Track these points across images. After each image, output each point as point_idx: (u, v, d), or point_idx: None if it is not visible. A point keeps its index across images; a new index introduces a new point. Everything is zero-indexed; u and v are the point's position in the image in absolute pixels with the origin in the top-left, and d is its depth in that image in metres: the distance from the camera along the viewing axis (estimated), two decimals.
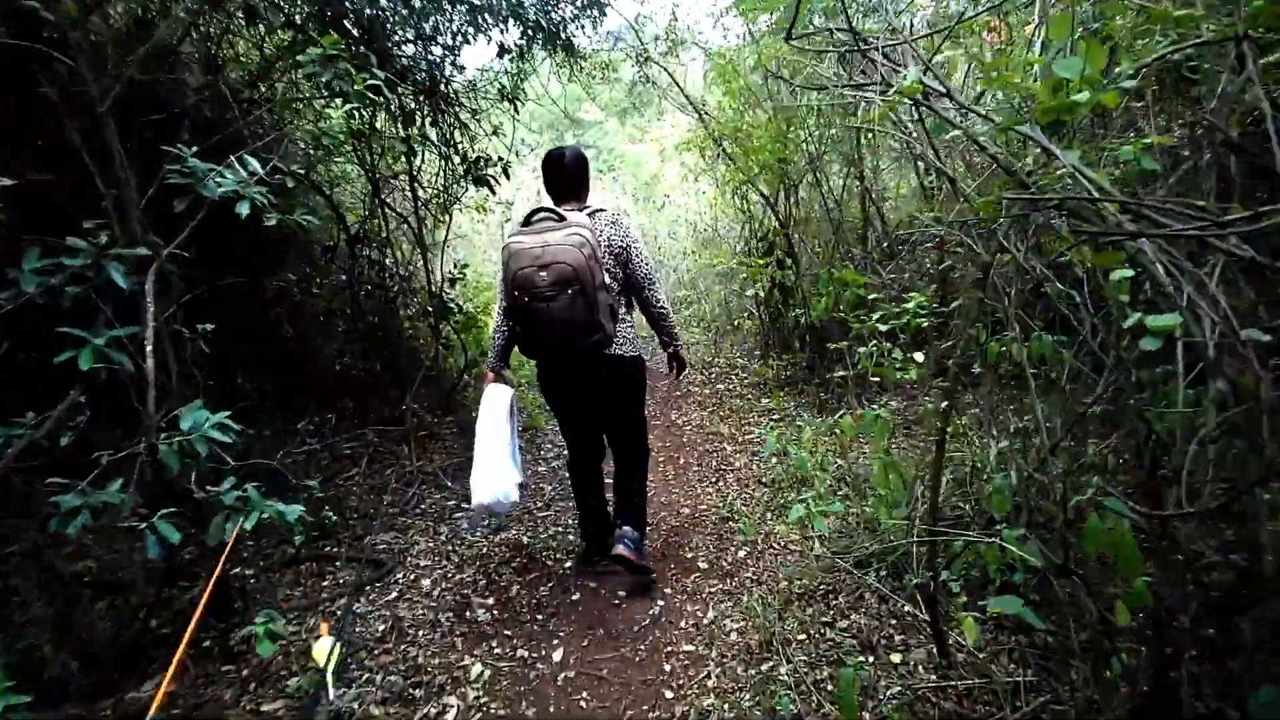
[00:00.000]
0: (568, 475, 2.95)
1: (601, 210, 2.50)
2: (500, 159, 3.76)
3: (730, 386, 5.45)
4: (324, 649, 1.41)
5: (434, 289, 4.52)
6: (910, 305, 2.44)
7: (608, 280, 2.36)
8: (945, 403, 1.78)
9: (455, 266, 6.21)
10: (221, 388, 3.67)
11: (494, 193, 3.96)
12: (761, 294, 5.12)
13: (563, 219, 2.32)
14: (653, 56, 6.33)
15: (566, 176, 2.50)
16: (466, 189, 4.28)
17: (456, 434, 4.35)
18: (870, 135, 4.93)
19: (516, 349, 2.59)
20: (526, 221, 2.37)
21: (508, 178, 3.81)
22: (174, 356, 2.22)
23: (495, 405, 2.58)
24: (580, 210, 2.43)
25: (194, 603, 1.91)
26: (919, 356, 2.61)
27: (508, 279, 2.31)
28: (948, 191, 4.99)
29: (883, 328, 2.63)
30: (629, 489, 2.70)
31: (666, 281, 8.96)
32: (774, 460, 3.89)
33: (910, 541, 2.26)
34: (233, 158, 2.16)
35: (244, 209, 2.09)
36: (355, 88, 2.51)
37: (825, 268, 4.44)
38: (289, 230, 2.36)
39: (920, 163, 4.95)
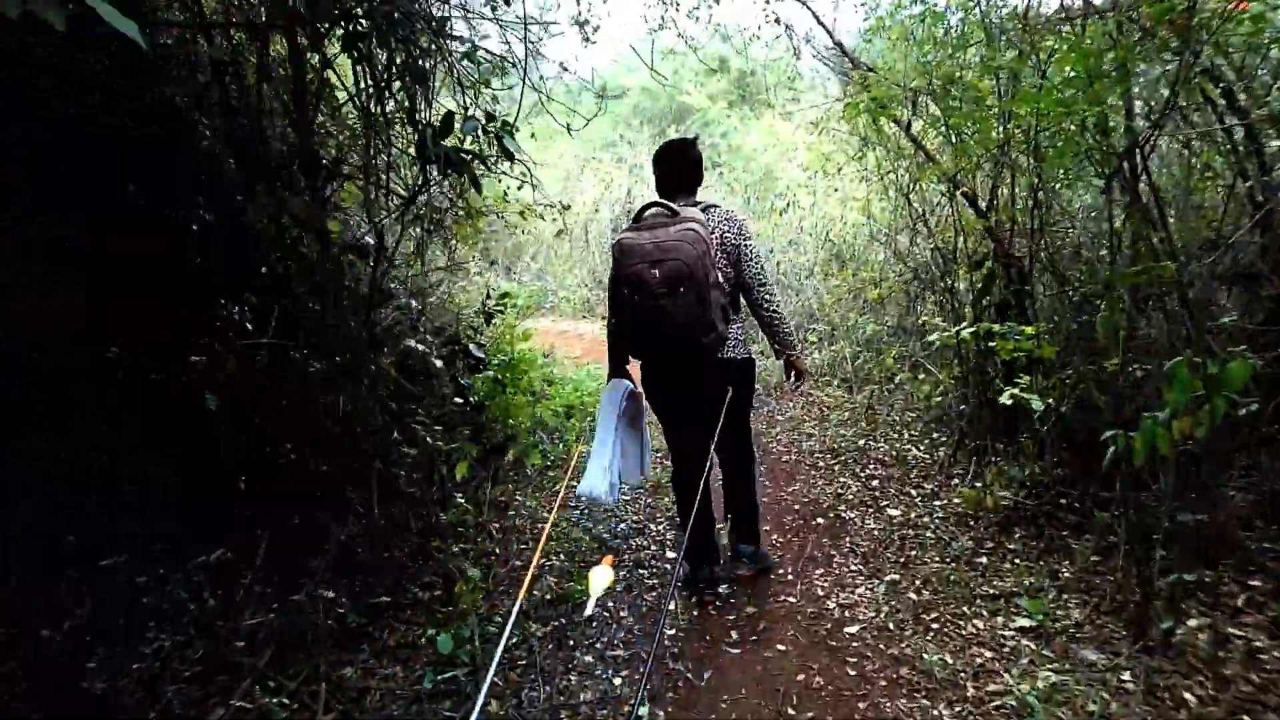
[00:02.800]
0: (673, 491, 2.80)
1: (715, 206, 2.38)
2: (499, 120, 1.83)
3: (914, 514, 3.24)
4: (601, 577, 1.29)
5: (383, 350, 2.67)
6: None
7: (720, 279, 2.23)
8: None
9: (490, 296, 4.41)
10: None
11: (477, 187, 2.02)
12: (1018, 401, 2.77)
13: (675, 213, 2.19)
14: None
15: (682, 170, 2.39)
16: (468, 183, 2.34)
17: (423, 618, 2.41)
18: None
19: None
20: (638, 216, 2.27)
21: (509, 157, 1.87)
22: None
23: (608, 402, 2.41)
24: (694, 205, 2.33)
25: None
26: None
27: (618, 276, 2.20)
28: None
29: None
30: (740, 498, 2.66)
31: (786, 310, 6.79)
32: None
33: None
34: None
35: None
36: None
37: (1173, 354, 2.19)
38: None
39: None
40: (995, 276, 3.33)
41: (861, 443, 4.17)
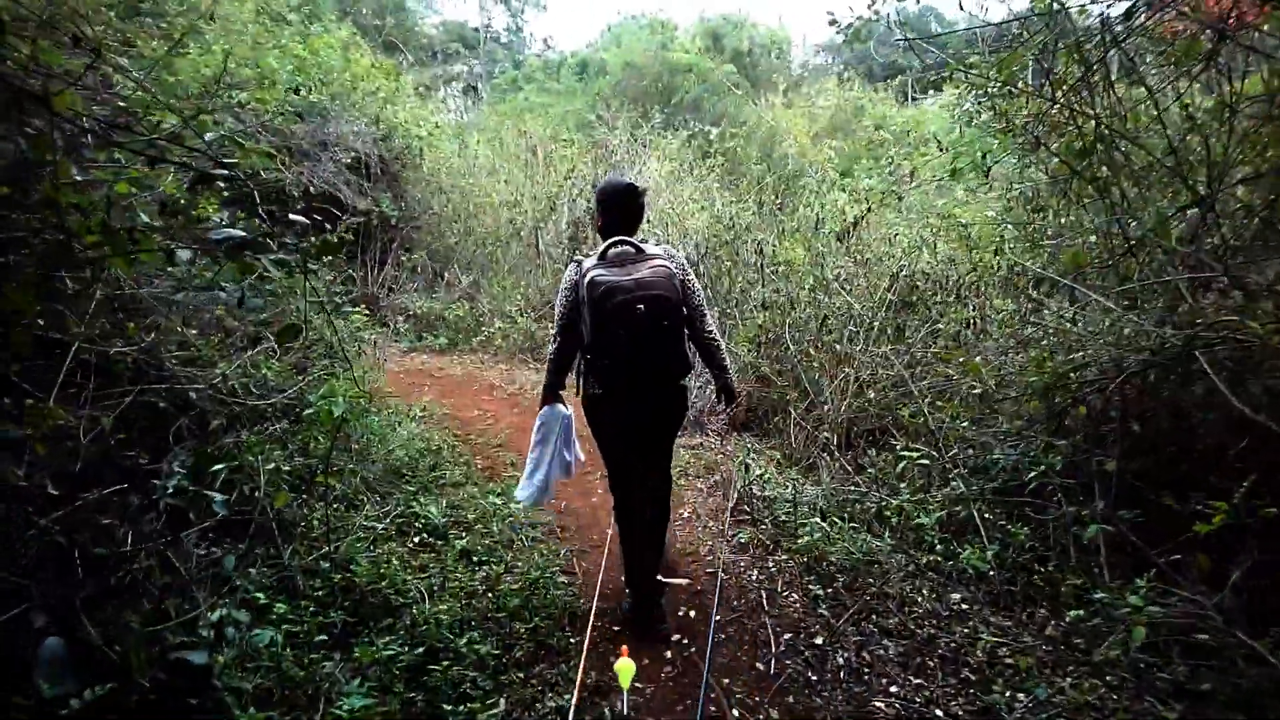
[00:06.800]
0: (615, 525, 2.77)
1: (661, 243, 2.63)
2: None
3: None
4: (624, 667, 1.60)
5: None
6: None
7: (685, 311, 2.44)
8: None
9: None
10: None
11: None
12: None
13: (640, 251, 2.36)
14: None
15: (635, 210, 2.48)
16: None
17: None
18: None
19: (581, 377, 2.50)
20: (604, 254, 2.35)
21: None
22: None
23: (547, 426, 2.64)
24: (644, 242, 2.42)
25: None
26: None
27: (599, 312, 2.26)
28: None
29: None
30: (658, 528, 2.71)
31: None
32: None
33: None
34: None
35: None
36: None
37: None
38: None
39: None
40: None
41: None
